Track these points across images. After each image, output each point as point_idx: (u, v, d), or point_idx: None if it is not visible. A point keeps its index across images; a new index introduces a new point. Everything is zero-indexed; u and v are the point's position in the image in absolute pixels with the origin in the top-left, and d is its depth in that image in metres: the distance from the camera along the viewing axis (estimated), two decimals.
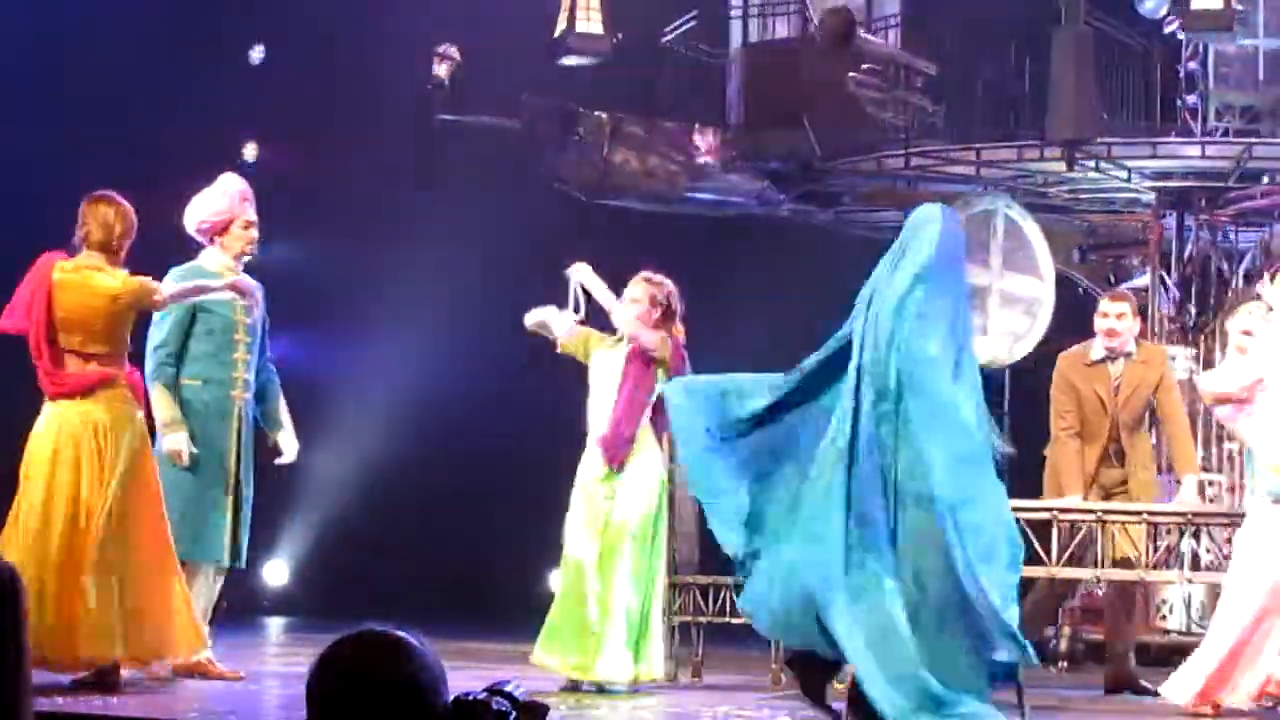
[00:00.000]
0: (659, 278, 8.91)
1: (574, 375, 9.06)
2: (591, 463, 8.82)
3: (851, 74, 13.41)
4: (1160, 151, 13.26)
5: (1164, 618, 12.00)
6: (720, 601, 9.55)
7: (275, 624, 14.38)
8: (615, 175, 13.94)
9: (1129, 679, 9.51)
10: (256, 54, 15.04)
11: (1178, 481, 9.64)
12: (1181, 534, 9.02)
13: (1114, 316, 9.49)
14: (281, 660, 10.66)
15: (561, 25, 12.61)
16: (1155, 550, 9.02)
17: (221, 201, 8.54)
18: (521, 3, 13.23)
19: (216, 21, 14.17)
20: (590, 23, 12.44)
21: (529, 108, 13.56)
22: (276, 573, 15.96)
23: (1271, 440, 8.26)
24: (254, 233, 8.53)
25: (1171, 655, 10.69)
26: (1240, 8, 12.48)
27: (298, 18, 13.90)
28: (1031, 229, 13.23)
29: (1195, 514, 9.03)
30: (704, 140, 14.11)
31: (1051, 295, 13.10)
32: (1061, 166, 13.35)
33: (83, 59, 13.25)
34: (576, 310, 8.89)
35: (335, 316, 14.60)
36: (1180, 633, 12.05)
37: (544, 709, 2.86)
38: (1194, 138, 13.22)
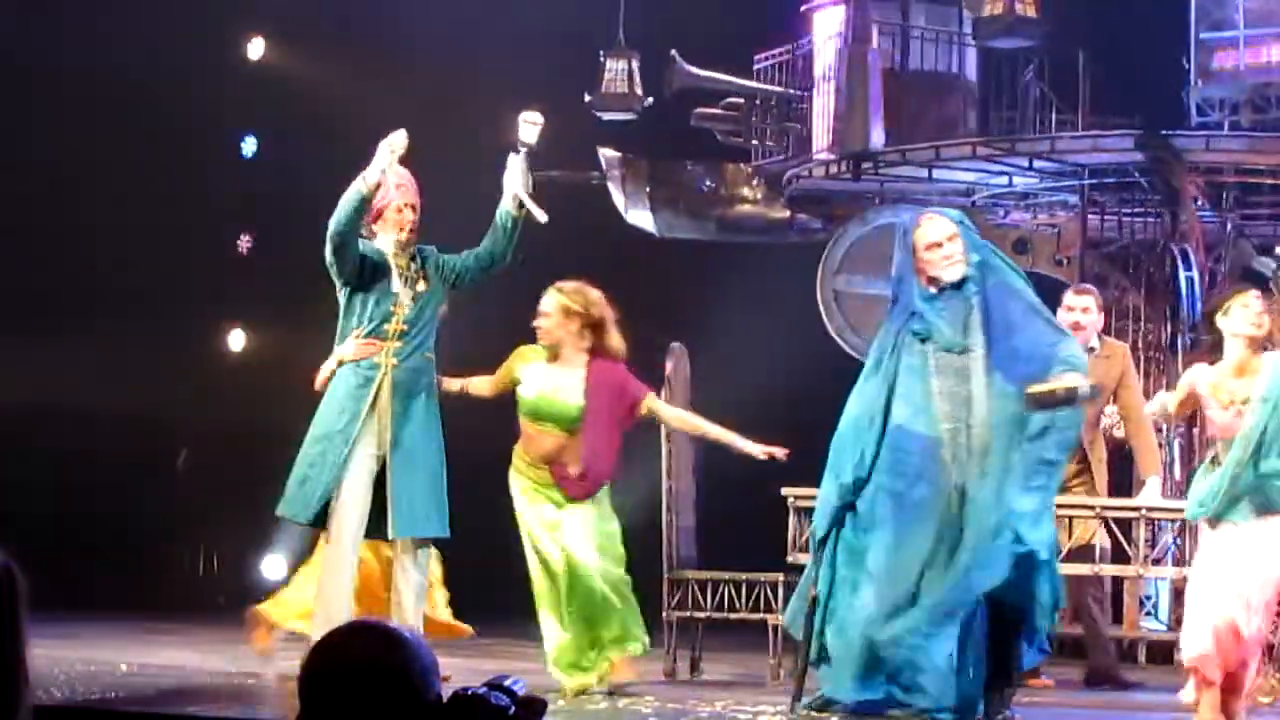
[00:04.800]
0: (572, 285, 8.25)
1: None
2: (539, 483, 8.49)
3: (696, 110, 14.43)
4: (1020, 149, 13.34)
5: (1148, 614, 11.98)
6: (719, 597, 9.53)
7: None
8: (665, 213, 15.04)
9: (1110, 672, 9.51)
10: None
11: (1142, 480, 9.58)
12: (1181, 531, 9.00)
13: (1079, 310, 9.45)
14: (279, 654, 10.65)
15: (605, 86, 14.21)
16: (1155, 546, 9.01)
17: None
18: (580, 67, 14.26)
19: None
20: (619, 84, 14.06)
21: (603, 159, 14.86)
22: (274, 567, 15.98)
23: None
24: (409, 215, 8.15)
25: (1155, 653, 10.75)
26: (1022, 11, 12.68)
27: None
28: None
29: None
30: (719, 177, 15.16)
31: None
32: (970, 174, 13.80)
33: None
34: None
35: None
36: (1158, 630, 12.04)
37: (542, 704, 2.87)
38: (1058, 132, 13.37)
